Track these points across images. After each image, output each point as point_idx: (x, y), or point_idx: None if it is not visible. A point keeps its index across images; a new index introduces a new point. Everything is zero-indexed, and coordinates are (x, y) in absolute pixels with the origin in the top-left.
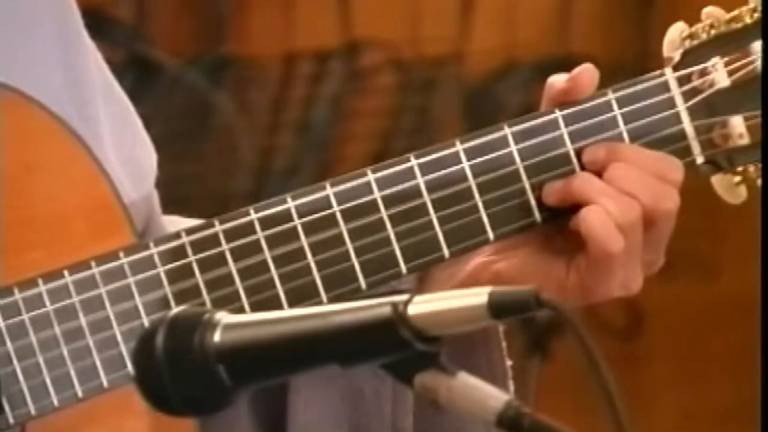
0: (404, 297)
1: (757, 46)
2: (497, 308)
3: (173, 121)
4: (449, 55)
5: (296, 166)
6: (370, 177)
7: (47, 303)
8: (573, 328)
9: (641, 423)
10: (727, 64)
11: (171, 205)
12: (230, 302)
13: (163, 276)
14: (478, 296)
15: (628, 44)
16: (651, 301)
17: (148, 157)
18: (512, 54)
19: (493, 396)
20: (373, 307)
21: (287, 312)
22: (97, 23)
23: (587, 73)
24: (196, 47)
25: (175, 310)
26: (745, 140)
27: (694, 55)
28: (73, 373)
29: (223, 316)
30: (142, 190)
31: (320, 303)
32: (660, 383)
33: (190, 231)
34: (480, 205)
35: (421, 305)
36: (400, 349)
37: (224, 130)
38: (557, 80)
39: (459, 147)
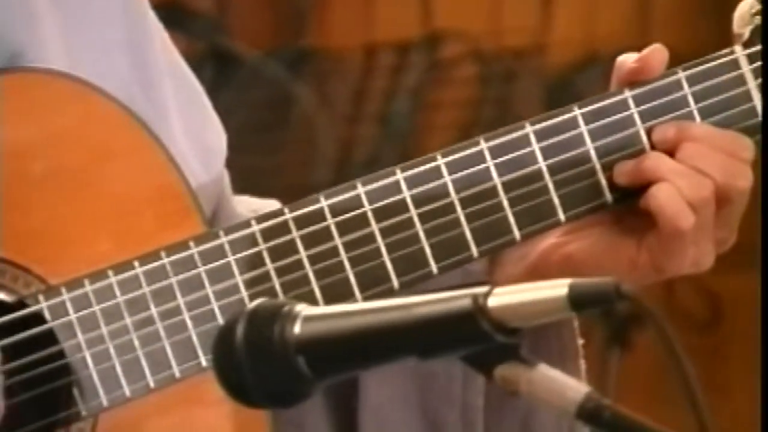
0: (484, 289)
1: None
2: (577, 300)
3: (253, 114)
4: (530, 46)
5: (376, 158)
6: (441, 162)
7: (117, 294)
8: (653, 319)
9: (722, 414)
10: None
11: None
12: (300, 288)
13: (233, 265)
14: (558, 288)
15: (708, 36)
16: (731, 293)
17: (218, 138)
18: (593, 46)
19: (573, 388)
20: (453, 299)
21: (367, 304)
22: (178, 16)
23: (657, 52)
24: (277, 39)
25: (255, 302)
26: None
27: None
28: (144, 363)
29: (303, 308)
30: (211, 172)
31: (391, 288)
32: (740, 375)
33: (260, 219)
34: (550, 186)
35: (501, 297)
36: (480, 342)
37: (304, 122)
38: (627, 59)
39: (529, 129)
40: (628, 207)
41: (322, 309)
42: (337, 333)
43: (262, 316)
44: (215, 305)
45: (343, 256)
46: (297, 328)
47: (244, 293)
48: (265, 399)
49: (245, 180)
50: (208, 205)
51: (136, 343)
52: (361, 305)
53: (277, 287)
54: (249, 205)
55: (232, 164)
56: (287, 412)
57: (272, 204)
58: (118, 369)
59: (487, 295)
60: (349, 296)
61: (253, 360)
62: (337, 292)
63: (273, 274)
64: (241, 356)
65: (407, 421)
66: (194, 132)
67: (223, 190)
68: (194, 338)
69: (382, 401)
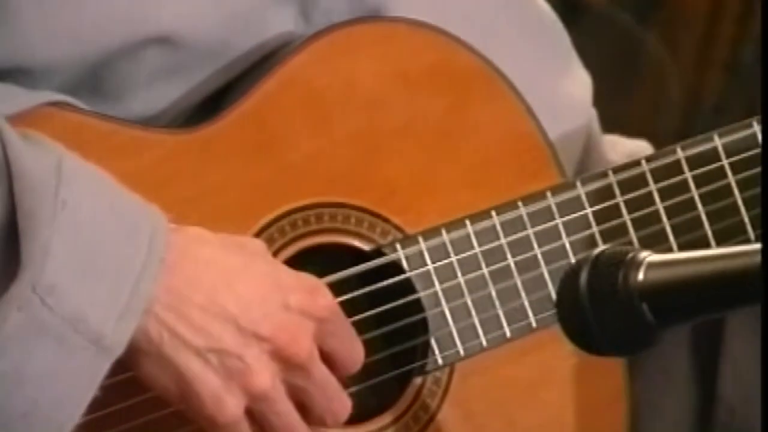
0: None
1: None
2: None
3: (601, 61)
4: None
5: (724, 105)
6: None
7: (474, 244)
8: None
9: None
10: None
11: None
12: (658, 242)
13: (590, 216)
14: None
15: None
16: None
17: (581, 85)
18: None
19: None
20: None
21: (710, 251)
22: None
23: None
24: None
25: (599, 248)
26: None
27: None
28: (501, 313)
29: (647, 255)
30: (576, 120)
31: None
32: None
33: (616, 170)
34: None
35: None
36: None
37: (653, 69)
38: None
39: None
40: None
41: (666, 256)
42: (681, 280)
43: (606, 262)
44: (572, 257)
45: (701, 210)
46: (641, 275)
47: (601, 246)
48: (609, 346)
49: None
50: (571, 155)
51: (493, 293)
52: (704, 252)
53: (634, 240)
54: (621, 147)
55: None
56: (654, 359)
57: (643, 146)
58: (475, 319)
59: None
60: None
61: (597, 306)
62: (693, 248)
63: (629, 226)
64: (585, 302)
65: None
66: (552, 81)
67: (591, 135)
68: (551, 289)
69: (743, 354)
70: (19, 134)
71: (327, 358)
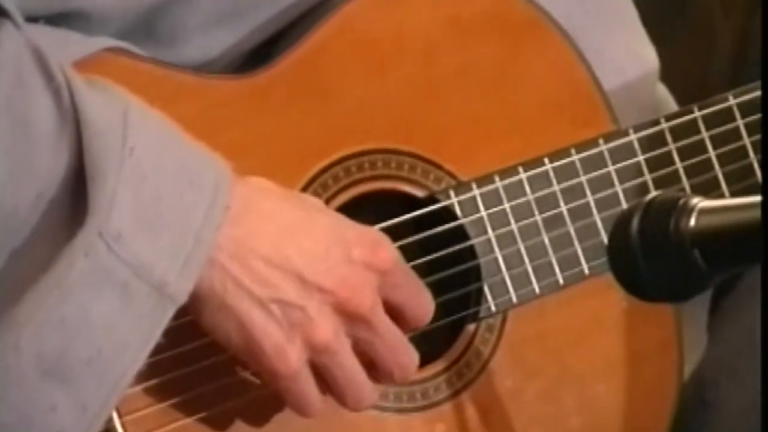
0: None
1: None
2: None
3: (648, 6)
4: None
5: None
6: None
7: (527, 191)
8: None
9: None
10: None
11: None
12: (710, 189)
13: (642, 163)
14: None
15: None
16: None
17: (635, 55)
18: None
19: None
20: None
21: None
22: None
23: None
24: None
25: (651, 195)
26: None
27: None
28: (554, 260)
29: (699, 201)
30: (622, 78)
31: None
32: None
33: (669, 117)
34: None
35: None
36: None
37: (701, 13)
38: None
39: None
40: None
41: (718, 202)
42: (733, 226)
43: (658, 208)
44: (624, 205)
45: (753, 157)
46: (692, 221)
47: (653, 192)
48: (660, 292)
49: None
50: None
51: (546, 240)
52: (755, 198)
53: (687, 188)
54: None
55: None
56: (733, 323)
57: None
58: (528, 266)
59: None
60: None
61: (648, 252)
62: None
63: (682, 173)
64: (636, 248)
65: None
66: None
67: (648, 85)
68: (603, 236)
69: None
70: (85, 81)
71: (394, 312)
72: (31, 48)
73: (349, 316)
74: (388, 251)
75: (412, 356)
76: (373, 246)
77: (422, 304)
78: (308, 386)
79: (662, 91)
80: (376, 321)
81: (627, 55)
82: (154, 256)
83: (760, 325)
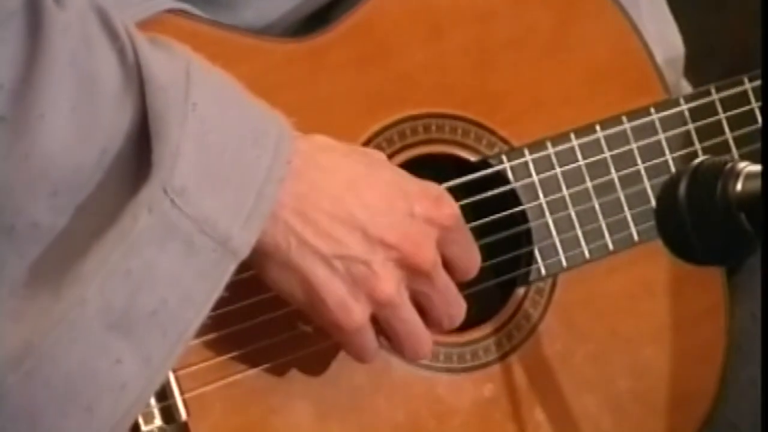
0: None
1: None
2: None
3: None
4: None
5: None
6: None
7: (579, 157)
8: None
9: None
10: None
11: (696, 57)
12: (758, 159)
13: (693, 133)
14: None
15: None
16: None
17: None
18: None
19: None
20: None
21: None
22: None
23: None
24: None
25: (698, 159)
26: None
27: None
28: (603, 225)
29: (746, 165)
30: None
31: None
32: None
33: (719, 88)
34: None
35: None
36: None
37: None
38: None
39: None
40: None
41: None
42: None
43: (705, 173)
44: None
45: None
46: (739, 185)
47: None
48: (707, 255)
49: (691, 40)
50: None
51: (596, 206)
52: None
53: (736, 157)
54: None
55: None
56: (745, 304)
57: None
58: (578, 231)
59: None
60: None
61: (695, 216)
62: None
63: (731, 143)
64: (684, 212)
65: None
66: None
67: (673, 71)
68: (652, 203)
69: None
70: (148, 39)
71: (446, 265)
72: (96, 8)
73: (412, 271)
74: (450, 207)
75: (462, 308)
76: (435, 201)
77: (472, 259)
78: (369, 338)
79: (684, 85)
80: (436, 276)
81: (655, 40)
82: (217, 210)
83: (761, 326)
